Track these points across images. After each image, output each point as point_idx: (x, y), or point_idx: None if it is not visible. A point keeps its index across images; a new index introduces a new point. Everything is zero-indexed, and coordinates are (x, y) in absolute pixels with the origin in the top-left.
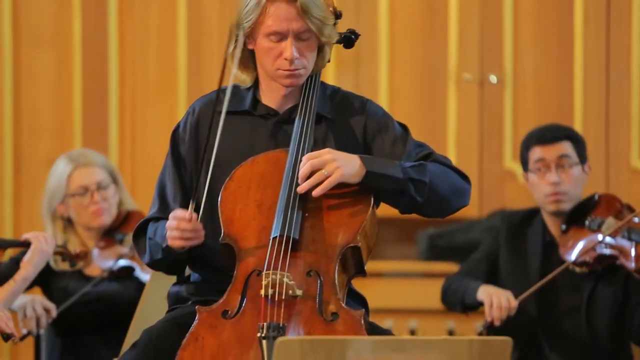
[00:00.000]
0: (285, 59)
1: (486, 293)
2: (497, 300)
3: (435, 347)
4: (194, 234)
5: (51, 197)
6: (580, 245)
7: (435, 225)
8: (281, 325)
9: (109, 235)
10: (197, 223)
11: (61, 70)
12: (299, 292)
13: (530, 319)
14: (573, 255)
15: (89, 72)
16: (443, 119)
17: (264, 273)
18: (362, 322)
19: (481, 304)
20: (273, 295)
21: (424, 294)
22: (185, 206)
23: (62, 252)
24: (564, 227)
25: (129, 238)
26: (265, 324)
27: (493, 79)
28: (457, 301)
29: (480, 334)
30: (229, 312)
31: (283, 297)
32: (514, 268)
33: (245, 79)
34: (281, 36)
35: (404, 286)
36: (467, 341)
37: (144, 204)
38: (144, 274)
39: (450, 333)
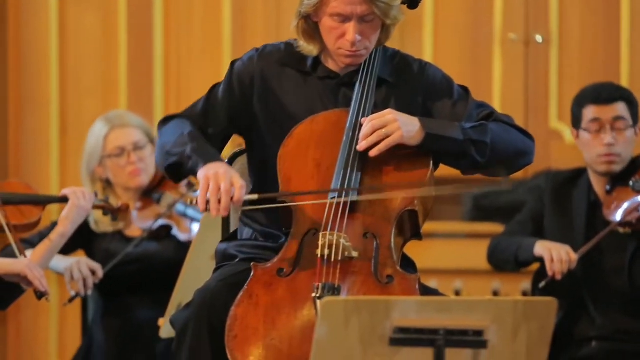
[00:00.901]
0: (347, 40)
1: (545, 248)
2: (557, 254)
3: (480, 307)
4: (217, 208)
5: (89, 158)
6: (624, 206)
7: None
8: (336, 286)
9: (147, 195)
10: (228, 206)
11: (106, 30)
12: (355, 254)
13: (575, 279)
14: (617, 216)
15: (134, 32)
16: (488, 80)
17: (320, 233)
18: (417, 286)
19: (537, 259)
20: (329, 255)
21: (468, 255)
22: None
23: (104, 207)
24: (608, 187)
25: (166, 197)
26: (320, 284)
27: (539, 38)
28: (510, 258)
29: (542, 288)
30: (284, 271)
31: (339, 258)
32: (559, 228)
33: (312, 50)
34: (345, 18)
35: (448, 247)
36: (512, 302)
37: None
38: (181, 234)
39: (495, 294)
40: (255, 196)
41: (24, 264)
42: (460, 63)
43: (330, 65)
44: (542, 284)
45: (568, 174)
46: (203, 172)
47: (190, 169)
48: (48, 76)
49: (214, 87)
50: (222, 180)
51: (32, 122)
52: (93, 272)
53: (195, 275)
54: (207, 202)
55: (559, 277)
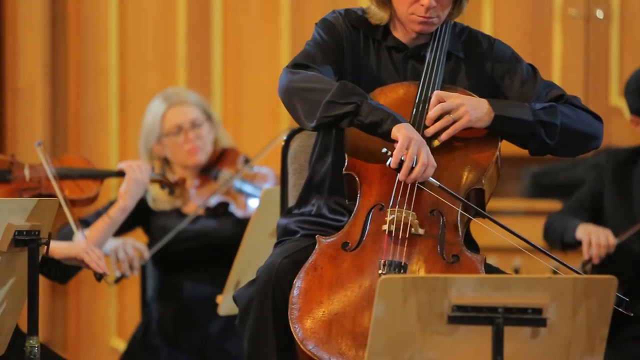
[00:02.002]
0: (422, 5)
1: (585, 231)
2: (595, 238)
3: (539, 285)
4: (407, 174)
5: (147, 137)
6: None
7: (539, 163)
8: (402, 263)
9: (205, 172)
10: (419, 177)
11: (165, 5)
12: (421, 231)
13: (636, 256)
14: None
15: (193, 7)
16: (548, 55)
17: (389, 209)
18: (482, 267)
19: (580, 242)
20: (396, 232)
21: (527, 232)
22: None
23: (160, 180)
24: None
25: (223, 174)
26: (386, 261)
27: (599, 14)
28: (557, 239)
29: (579, 272)
30: (349, 245)
31: (406, 235)
32: (618, 206)
33: (383, 16)
34: None
35: (507, 224)
36: (571, 279)
37: (249, 134)
38: (238, 210)
39: (555, 271)
40: (437, 183)
41: (81, 247)
42: (520, 39)
43: (399, 35)
44: (579, 266)
45: (629, 151)
46: (404, 131)
47: (373, 122)
48: (107, 51)
49: (319, 44)
50: (423, 150)
51: (92, 97)
52: (139, 253)
53: (253, 252)
54: (412, 167)
55: (596, 261)
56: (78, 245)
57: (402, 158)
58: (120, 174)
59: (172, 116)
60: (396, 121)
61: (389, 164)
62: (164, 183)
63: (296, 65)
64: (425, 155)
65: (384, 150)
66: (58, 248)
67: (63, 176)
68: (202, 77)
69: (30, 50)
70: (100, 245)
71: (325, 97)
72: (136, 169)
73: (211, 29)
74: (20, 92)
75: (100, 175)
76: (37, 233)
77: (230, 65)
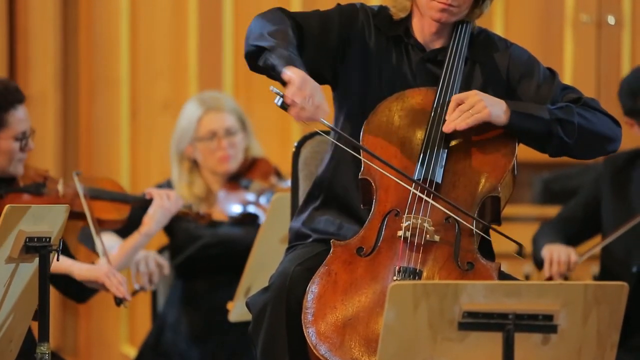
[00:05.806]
0: None
1: (548, 250)
2: (556, 256)
3: (549, 291)
4: (298, 111)
5: (180, 138)
6: None
7: (550, 169)
8: (417, 270)
9: (234, 180)
10: (309, 118)
11: (177, 12)
12: (436, 238)
13: None
14: None
15: (205, 14)
16: (559, 61)
17: (405, 216)
18: (496, 275)
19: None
20: (412, 238)
21: None
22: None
23: (187, 213)
24: None
25: (254, 185)
26: (401, 267)
27: (611, 20)
28: (533, 257)
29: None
30: (364, 250)
31: (422, 242)
32: (617, 212)
33: (406, 5)
34: None
35: (518, 230)
36: (582, 285)
37: (260, 144)
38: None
39: (565, 278)
40: (331, 124)
41: (103, 271)
42: (531, 45)
43: (419, 36)
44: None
45: (626, 155)
46: (299, 72)
47: (273, 64)
48: (118, 59)
49: (327, 14)
50: (316, 93)
51: (103, 105)
52: (160, 268)
53: (264, 259)
54: (293, 103)
55: (556, 278)
56: (100, 269)
57: (295, 100)
58: (149, 201)
59: (208, 121)
60: (293, 64)
61: (277, 103)
62: (190, 217)
63: (285, 11)
64: (319, 98)
65: (272, 87)
66: (80, 270)
67: (94, 197)
68: (213, 86)
69: (41, 58)
70: (122, 267)
71: (266, 30)
72: (164, 197)
73: (223, 38)
74: (32, 100)
75: (130, 200)
76: (48, 240)
77: (241, 75)
